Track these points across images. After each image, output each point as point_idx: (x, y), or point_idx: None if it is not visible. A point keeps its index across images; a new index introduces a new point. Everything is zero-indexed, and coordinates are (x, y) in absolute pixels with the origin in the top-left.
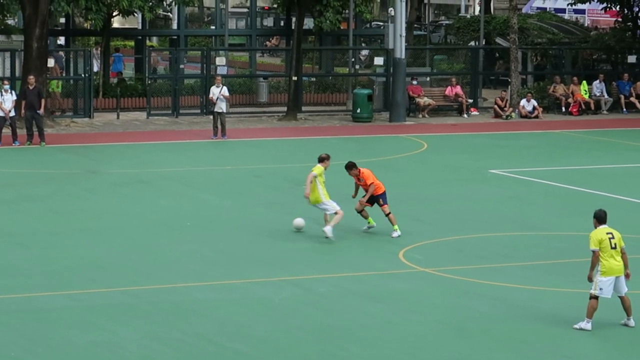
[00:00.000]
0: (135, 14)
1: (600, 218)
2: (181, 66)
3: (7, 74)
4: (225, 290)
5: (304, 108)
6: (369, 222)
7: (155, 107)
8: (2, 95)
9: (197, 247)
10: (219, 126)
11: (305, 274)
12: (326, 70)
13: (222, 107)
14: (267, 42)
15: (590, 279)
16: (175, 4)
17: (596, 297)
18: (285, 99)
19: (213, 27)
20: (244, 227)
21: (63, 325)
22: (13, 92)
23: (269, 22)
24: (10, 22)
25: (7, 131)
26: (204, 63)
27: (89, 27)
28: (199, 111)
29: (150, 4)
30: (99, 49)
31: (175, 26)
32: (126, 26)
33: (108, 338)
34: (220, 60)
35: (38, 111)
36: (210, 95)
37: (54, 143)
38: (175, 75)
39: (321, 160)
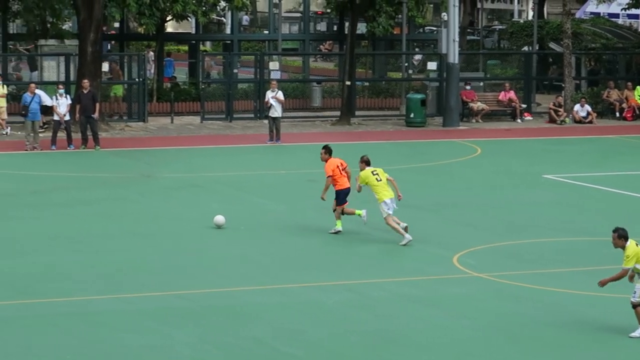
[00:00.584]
0: (189, 19)
1: (623, 236)
2: (235, 71)
3: (62, 78)
4: (279, 294)
5: (357, 113)
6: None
7: (209, 111)
8: (57, 99)
9: (250, 251)
10: (274, 130)
11: (358, 279)
12: (379, 75)
13: (277, 111)
14: (320, 47)
15: (603, 284)
16: (228, 9)
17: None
18: (338, 103)
19: (266, 32)
20: (297, 232)
21: (116, 328)
22: (68, 96)
23: (322, 26)
24: (65, 26)
25: (62, 135)
26: (258, 68)
27: (142, 32)
28: (252, 115)
29: (204, 8)
30: (150, 52)
31: (228, 31)
32: (180, 31)
33: (161, 341)
34: (273, 65)
35: (92, 115)
36: (266, 99)
37: (108, 147)
38: (228, 80)
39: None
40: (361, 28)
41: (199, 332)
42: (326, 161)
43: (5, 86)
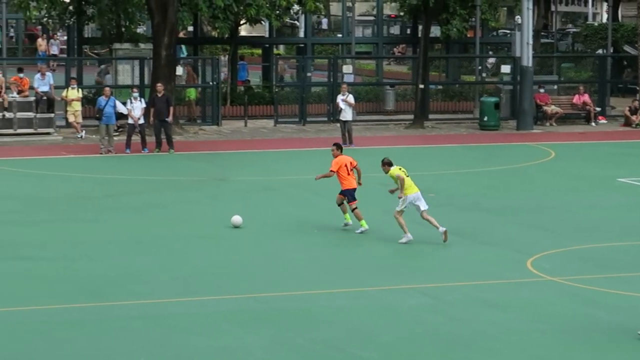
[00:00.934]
0: (263, 22)
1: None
2: (308, 74)
3: (136, 82)
4: (352, 297)
5: (430, 116)
6: (345, 219)
7: (282, 114)
8: (131, 102)
9: (323, 254)
10: (346, 134)
11: (432, 282)
12: (453, 78)
13: (347, 115)
14: (394, 50)
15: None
16: (301, 12)
17: None
18: (412, 106)
19: (340, 35)
20: (370, 235)
21: (190, 331)
22: (142, 99)
23: (395, 30)
24: (139, 30)
25: (136, 138)
26: (331, 71)
27: (216, 36)
28: (325, 119)
29: (277, 12)
30: (227, 56)
31: (302, 34)
32: (253, 34)
33: (234, 344)
34: (347, 68)
35: (166, 119)
36: (337, 102)
37: (182, 150)
38: (302, 83)
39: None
40: (434, 31)
41: (272, 335)
42: (336, 157)
43: (80, 90)
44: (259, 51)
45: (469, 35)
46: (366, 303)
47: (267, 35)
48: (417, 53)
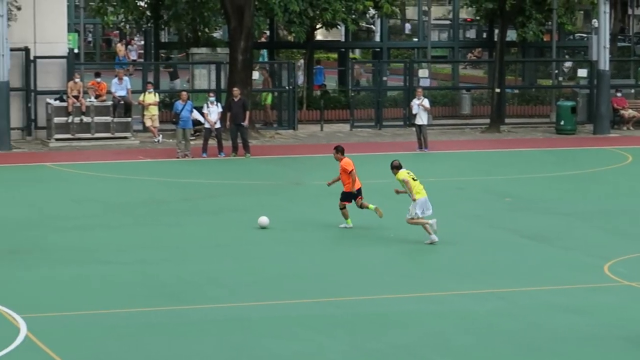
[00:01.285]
0: (339, 27)
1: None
2: (384, 78)
3: (213, 86)
4: (427, 302)
5: (507, 120)
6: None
7: (358, 119)
8: (207, 107)
9: (397, 259)
10: (421, 138)
11: (508, 287)
12: (529, 82)
13: (423, 119)
14: (470, 54)
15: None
16: (377, 17)
17: None
18: (488, 111)
19: (415, 40)
20: (445, 239)
21: (267, 335)
22: (219, 104)
23: (471, 34)
24: (215, 34)
25: (212, 142)
26: (407, 75)
27: (292, 40)
28: (401, 123)
29: (353, 16)
30: (302, 60)
31: (377, 38)
32: (329, 39)
33: (312, 349)
34: (423, 72)
35: (243, 123)
36: (411, 105)
37: (259, 154)
38: (378, 88)
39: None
40: (510, 35)
41: (349, 339)
42: (341, 160)
43: (157, 94)
44: (335, 55)
45: (545, 39)
46: (442, 307)
47: (343, 39)
48: (493, 57)
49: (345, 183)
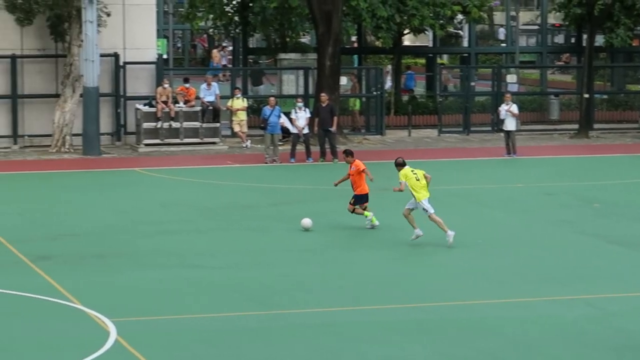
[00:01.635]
0: (426, 32)
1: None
2: (472, 84)
3: (301, 91)
4: (515, 307)
5: (595, 125)
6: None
7: (446, 124)
8: (295, 112)
9: (485, 264)
10: (510, 144)
11: (596, 293)
12: (618, 88)
13: (511, 125)
14: (558, 59)
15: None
16: (465, 22)
17: None
18: (576, 116)
19: (504, 45)
20: (533, 245)
21: (354, 339)
22: (306, 109)
23: (559, 39)
24: (303, 40)
25: (300, 148)
26: (495, 80)
27: (379, 45)
28: (489, 129)
29: (441, 21)
30: (391, 66)
31: (465, 44)
32: (417, 44)
33: (398, 353)
34: (511, 78)
35: (330, 128)
36: (498, 110)
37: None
38: (466, 93)
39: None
40: (599, 40)
41: (437, 345)
42: (352, 162)
43: (245, 99)
44: (423, 61)
45: (633, 44)
46: (528, 313)
47: (430, 44)
48: (581, 62)
49: (359, 185)
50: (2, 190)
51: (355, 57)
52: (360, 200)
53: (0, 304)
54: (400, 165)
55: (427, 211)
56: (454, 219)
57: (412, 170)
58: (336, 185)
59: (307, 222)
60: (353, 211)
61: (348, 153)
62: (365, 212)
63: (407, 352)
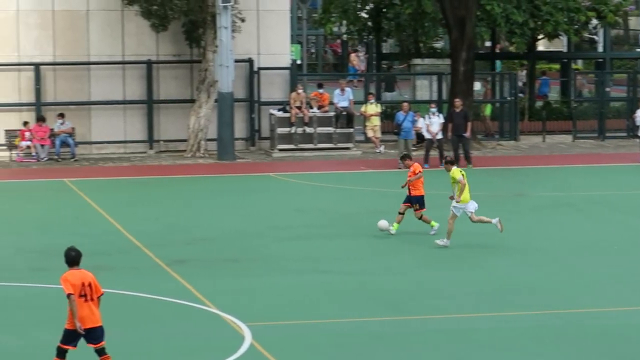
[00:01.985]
0: (561, 37)
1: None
2: (607, 89)
3: (434, 97)
4: None
5: None
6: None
7: (580, 130)
8: (429, 118)
9: (623, 272)
10: None
11: None
12: None
13: None
14: None
15: None
16: (600, 27)
17: None
18: None
19: (639, 50)
20: None
21: (489, 346)
22: (440, 115)
23: None
24: (436, 45)
25: (434, 153)
26: (630, 85)
27: (513, 51)
28: (625, 134)
29: (576, 26)
30: (525, 71)
31: (600, 49)
32: (551, 49)
33: None
34: None
35: (464, 134)
36: (634, 115)
37: (481, 165)
38: (601, 98)
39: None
40: None
41: (573, 352)
42: (411, 165)
43: (378, 105)
44: (557, 66)
45: None
46: None
47: (565, 50)
48: None
49: (417, 187)
50: (138, 195)
51: (498, 62)
52: (415, 201)
53: (137, 308)
54: (450, 163)
55: (472, 212)
56: (589, 225)
57: (460, 171)
58: (402, 187)
59: (383, 223)
60: (420, 217)
61: (406, 157)
62: (432, 222)
63: (542, 359)
